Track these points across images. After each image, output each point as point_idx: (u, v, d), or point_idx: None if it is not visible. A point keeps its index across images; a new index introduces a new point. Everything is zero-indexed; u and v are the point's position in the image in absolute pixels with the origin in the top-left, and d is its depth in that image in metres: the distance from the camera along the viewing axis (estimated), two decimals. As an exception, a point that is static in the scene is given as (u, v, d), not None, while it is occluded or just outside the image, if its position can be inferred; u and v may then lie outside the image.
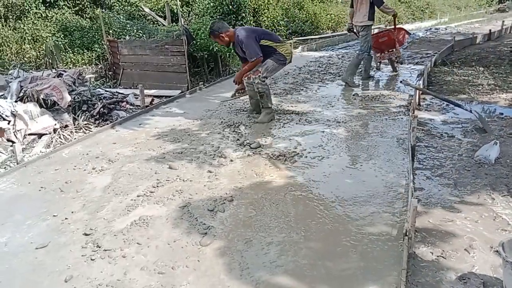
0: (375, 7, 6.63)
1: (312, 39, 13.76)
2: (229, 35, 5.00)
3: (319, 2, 16.81)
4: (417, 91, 5.55)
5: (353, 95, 6.19)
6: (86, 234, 2.81)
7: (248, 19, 11.91)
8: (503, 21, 13.40)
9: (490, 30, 12.09)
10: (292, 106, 5.80)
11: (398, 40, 7.51)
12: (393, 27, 7.49)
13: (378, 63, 8.01)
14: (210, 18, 10.42)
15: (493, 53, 9.28)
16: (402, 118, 4.99)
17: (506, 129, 4.40)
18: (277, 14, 13.30)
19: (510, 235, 2.56)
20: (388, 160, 3.80)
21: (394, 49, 7.53)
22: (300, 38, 13.81)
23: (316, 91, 6.75)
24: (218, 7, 11.53)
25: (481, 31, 12.70)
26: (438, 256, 2.42)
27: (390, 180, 3.40)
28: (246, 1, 11.89)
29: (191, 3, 13.17)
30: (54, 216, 3.09)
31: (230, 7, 11.38)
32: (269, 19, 12.87)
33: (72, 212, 3.13)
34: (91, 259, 2.54)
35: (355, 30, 7.04)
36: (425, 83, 6.47)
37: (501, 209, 2.89)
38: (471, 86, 6.41)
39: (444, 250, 2.47)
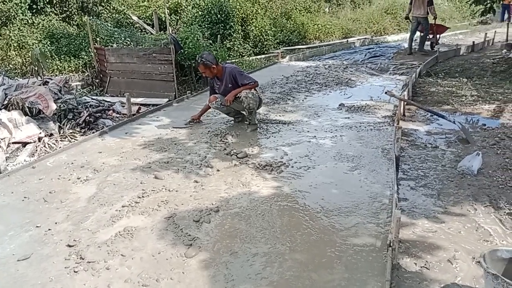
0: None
1: (299, 49, 13.87)
2: (218, 69, 5.15)
3: (307, 13, 17.02)
4: (402, 101, 5.62)
5: (339, 105, 6.25)
6: (69, 246, 2.78)
7: (236, 28, 11.97)
8: (486, 33, 13.65)
9: (473, 42, 12.31)
10: (279, 116, 5.84)
11: (436, 30, 11.76)
12: (433, 23, 11.36)
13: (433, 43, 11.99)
14: (199, 27, 10.47)
15: (476, 65, 9.45)
16: (387, 129, 5.06)
17: (488, 140, 4.47)
18: (265, 23, 13.38)
19: (491, 246, 2.60)
20: (373, 171, 3.84)
21: (432, 36, 11.79)
22: (288, 47, 13.92)
23: (303, 100, 6.80)
24: (207, 16, 11.59)
25: (465, 43, 12.93)
26: (421, 267, 2.45)
27: (374, 191, 3.43)
28: (234, 11, 11.96)
29: (179, 11, 13.20)
30: (37, 227, 3.05)
31: (219, 16, 11.43)
32: (257, 28, 12.95)
33: (56, 223, 3.09)
34: (74, 271, 2.51)
35: (411, 19, 11.22)
36: (410, 93, 6.56)
37: (483, 219, 2.94)
38: (454, 97, 6.52)
39: (427, 261, 2.50)
